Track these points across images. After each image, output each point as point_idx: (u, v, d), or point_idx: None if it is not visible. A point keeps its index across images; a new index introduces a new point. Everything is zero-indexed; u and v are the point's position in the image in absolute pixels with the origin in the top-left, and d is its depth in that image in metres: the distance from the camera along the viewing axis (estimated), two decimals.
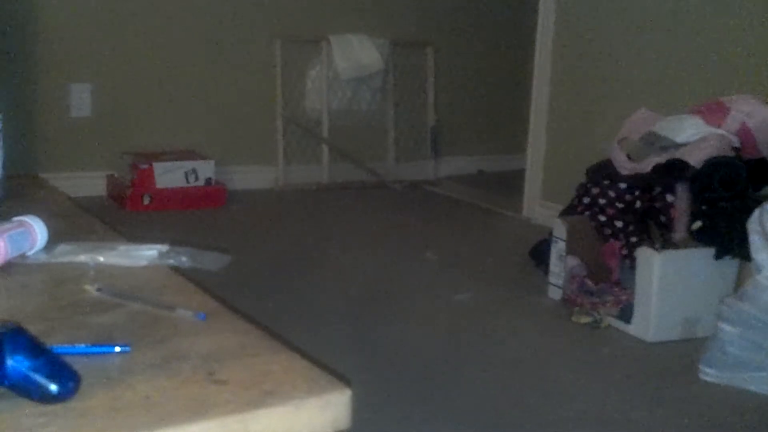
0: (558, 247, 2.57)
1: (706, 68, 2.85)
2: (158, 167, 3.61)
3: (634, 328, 2.33)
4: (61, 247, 1.08)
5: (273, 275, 2.77)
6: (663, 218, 2.36)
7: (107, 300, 0.93)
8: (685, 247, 2.31)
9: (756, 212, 2.04)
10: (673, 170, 2.36)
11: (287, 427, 0.70)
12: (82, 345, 0.78)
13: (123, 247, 1.10)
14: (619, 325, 2.37)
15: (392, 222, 3.66)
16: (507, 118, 4.66)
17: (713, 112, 2.46)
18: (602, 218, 2.47)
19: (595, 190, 2.53)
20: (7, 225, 1.05)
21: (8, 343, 0.68)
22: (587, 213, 2.53)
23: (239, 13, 4.00)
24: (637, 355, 2.24)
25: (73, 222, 1.30)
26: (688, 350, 2.19)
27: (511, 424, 1.80)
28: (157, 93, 3.88)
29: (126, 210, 3.54)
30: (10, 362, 0.67)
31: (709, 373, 2.05)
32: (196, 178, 3.69)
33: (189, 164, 3.68)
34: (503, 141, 4.73)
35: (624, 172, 2.51)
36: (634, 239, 2.36)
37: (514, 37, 4.53)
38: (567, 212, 2.67)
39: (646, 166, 2.45)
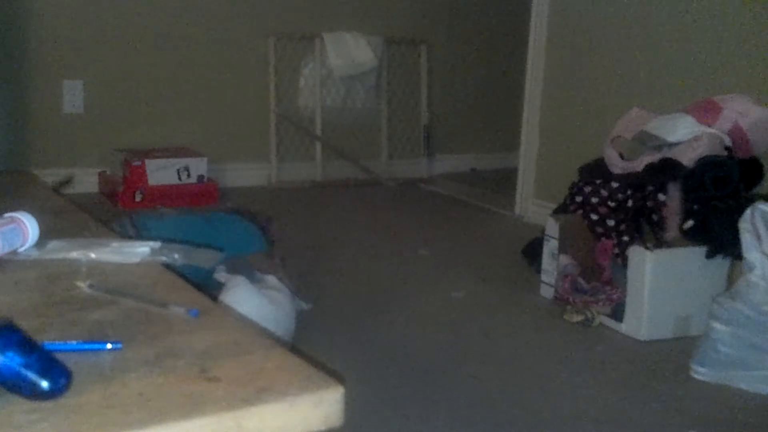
0: (550, 246, 2.57)
1: (698, 67, 2.86)
2: (150, 164, 3.60)
3: (626, 327, 2.34)
4: (53, 244, 1.08)
5: None
6: (655, 217, 2.36)
7: (99, 297, 0.93)
8: (677, 246, 2.31)
9: (748, 211, 2.05)
10: (665, 169, 2.37)
11: (280, 423, 0.70)
12: (75, 342, 0.78)
13: (115, 244, 1.09)
14: (611, 323, 2.37)
15: (386, 219, 3.66)
16: (500, 116, 4.67)
17: (706, 111, 2.47)
18: (594, 217, 2.48)
19: (587, 189, 2.53)
20: None
21: None
22: (580, 211, 2.53)
23: (233, 10, 3.99)
24: (629, 353, 2.24)
25: (65, 218, 1.29)
26: (680, 349, 2.19)
27: (506, 422, 1.81)
28: (149, 90, 3.87)
29: (118, 207, 3.53)
30: (1, 359, 0.67)
31: (701, 372, 2.06)
32: (189, 176, 3.68)
33: (181, 161, 3.68)
34: (496, 139, 4.74)
35: (616, 171, 2.52)
36: (626, 238, 2.36)
37: (508, 36, 4.54)
38: (559, 211, 2.67)
39: (639, 165, 2.45)
